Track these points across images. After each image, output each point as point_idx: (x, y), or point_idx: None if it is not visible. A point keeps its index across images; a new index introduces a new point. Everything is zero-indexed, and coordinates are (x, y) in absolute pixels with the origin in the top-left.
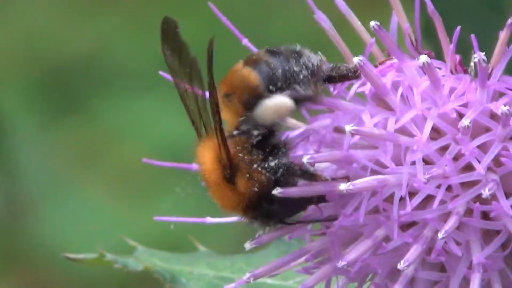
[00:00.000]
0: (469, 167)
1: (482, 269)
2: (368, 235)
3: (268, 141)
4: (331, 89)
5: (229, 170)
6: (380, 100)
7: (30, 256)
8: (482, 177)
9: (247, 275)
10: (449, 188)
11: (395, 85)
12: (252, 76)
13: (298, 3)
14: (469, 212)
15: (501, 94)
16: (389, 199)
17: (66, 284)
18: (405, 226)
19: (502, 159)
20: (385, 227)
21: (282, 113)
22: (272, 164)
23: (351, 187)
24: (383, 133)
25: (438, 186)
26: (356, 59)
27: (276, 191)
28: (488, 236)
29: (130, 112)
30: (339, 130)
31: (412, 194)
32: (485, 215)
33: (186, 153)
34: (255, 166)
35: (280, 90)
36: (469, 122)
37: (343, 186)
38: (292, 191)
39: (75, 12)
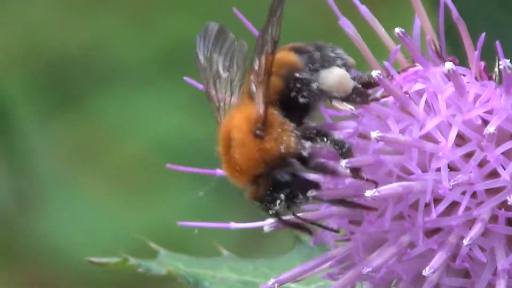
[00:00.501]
0: (494, 174)
1: (507, 275)
2: (393, 241)
3: (308, 113)
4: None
5: (261, 124)
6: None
7: (30, 253)
8: (507, 183)
9: (272, 280)
10: (474, 195)
11: (419, 92)
12: (291, 55)
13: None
14: (494, 218)
15: None
16: (414, 205)
17: (67, 281)
18: (430, 233)
19: None
20: (410, 234)
21: (343, 84)
22: (305, 143)
23: (376, 193)
24: (408, 140)
25: (463, 193)
26: (375, 73)
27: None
28: None
29: (129, 109)
30: (363, 136)
31: (437, 200)
32: (510, 222)
33: (186, 150)
34: (287, 127)
35: (314, 69)
36: (494, 129)
37: (368, 193)
38: (322, 194)
39: (74, 10)
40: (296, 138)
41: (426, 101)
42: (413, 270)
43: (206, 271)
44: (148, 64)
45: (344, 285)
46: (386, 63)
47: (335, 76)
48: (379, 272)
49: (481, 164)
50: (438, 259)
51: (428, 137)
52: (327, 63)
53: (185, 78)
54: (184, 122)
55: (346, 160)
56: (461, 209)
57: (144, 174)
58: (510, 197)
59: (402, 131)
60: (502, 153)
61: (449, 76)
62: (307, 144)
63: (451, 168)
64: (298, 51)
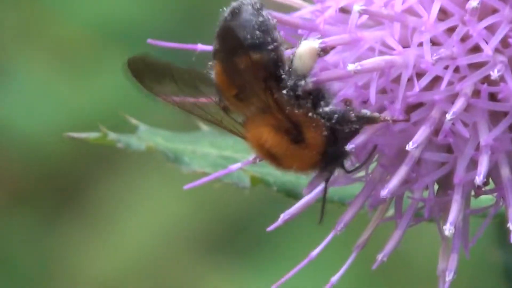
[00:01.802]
0: (476, 49)
1: (489, 150)
2: None
3: (311, 90)
4: None
5: (295, 130)
6: None
7: None
8: (490, 58)
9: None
10: (456, 70)
11: None
12: (244, 58)
13: None
14: (476, 93)
15: None
16: (397, 80)
17: (6, 155)
18: (412, 108)
19: (510, 40)
20: (389, 109)
21: (315, 55)
22: (327, 109)
23: (358, 67)
24: (391, 14)
25: (446, 67)
26: None
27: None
28: (495, 118)
29: None
30: (344, 10)
31: (419, 75)
32: (492, 97)
33: (126, 29)
34: (311, 114)
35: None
36: (477, 3)
37: (351, 67)
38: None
39: None
40: (325, 115)
41: None
42: (396, 145)
43: (185, 146)
44: None
45: None
46: None
47: (306, 55)
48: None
49: (464, 39)
50: (421, 134)
51: (410, 11)
52: (268, 30)
53: None
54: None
55: (319, 41)
56: (444, 83)
57: (86, 51)
58: (493, 72)
59: (385, 5)
60: (485, 28)
61: None
62: (332, 114)
63: (434, 42)
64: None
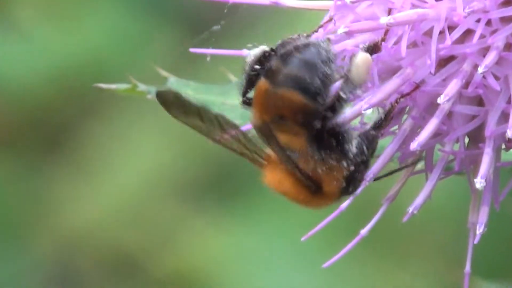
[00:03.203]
0: (508, 2)
1: None
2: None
3: (336, 135)
4: None
5: (314, 187)
6: None
7: None
8: None
9: None
10: (488, 23)
11: None
12: (294, 96)
13: None
14: (508, 46)
15: None
16: (429, 33)
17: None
18: (444, 61)
19: None
20: (422, 59)
21: (370, 66)
22: (353, 153)
23: (391, 20)
24: None
25: (478, 21)
26: None
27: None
28: None
29: None
30: None
31: (451, 28)
32: None
33: None
34: (335, 172)
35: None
36: None
37: (384, 20)
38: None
39: None
40: (351, 165)
41: None
42: (427, 98)
43: (215, 98)
44: None
45: (357, 113)
46: None
47: (364, 65)
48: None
49: None
50: (453, 86)
51: None
52: (329, 83)
53: None
54: None
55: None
56: (476, 36)
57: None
58: None
59: None
60: None
61: None
62: (362, 152)
63: None
64: (297, 82)
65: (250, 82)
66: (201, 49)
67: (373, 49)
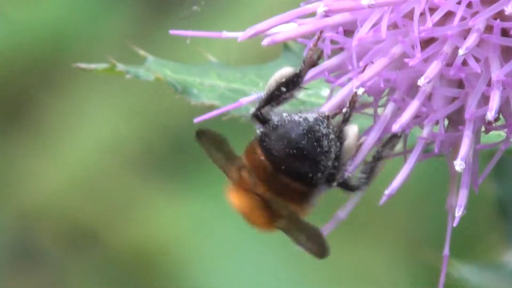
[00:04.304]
0: None
1: (501, 86)
2: (384, 52)
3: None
4: None
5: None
6: None
7: None
8: None
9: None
10: (469, 5)
11: None
12: (293, 184)
13: None
14: (489, 29)
15: None
16: (409, 15)
17: None
18: (424, 43)
19: None
20: (402, 44)
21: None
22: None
23: (372, 1)
24: None
25: (459, 3)
26: None
27: None
28: (507, 54)
29: None
30: None
31: (432, 10)
32: (505, 32)
33: None
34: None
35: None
36: None
37: (365, 1)
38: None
39: None
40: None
41: None
42: (407, 80)
43: (194, 78)
44: None
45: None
46: None
47: (354, 143)
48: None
49: None
50: (434, 68)
51: None
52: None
53: None
54: None
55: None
56: (457, 18)
57: None
58: (506, 7)
59: None
60: None
61: None
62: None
63: None
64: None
65: (270, 99)
66: (180, 31)
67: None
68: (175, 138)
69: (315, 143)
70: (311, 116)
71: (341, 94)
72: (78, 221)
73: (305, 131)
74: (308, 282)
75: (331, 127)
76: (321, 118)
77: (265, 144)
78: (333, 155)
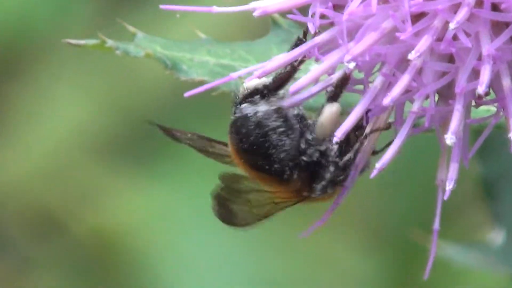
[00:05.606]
0: None
1: (492, 60)
2: (375, 27)
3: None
4: None
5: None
6: None
7: None
8: None
9: (255, 71)
10: None
11: None
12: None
13: None
14: (479, 3)
15: None
16: None
17: None
18: (414, 17)
19: None
20: (393, 18)
21: (337, 120)
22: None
23: None
24: None
25: None
26: None
27: None
28: (497, 28)
29: None
30: None
31: None
32: (495, 8)
33: None
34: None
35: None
36: None
37: None
38: None
39: None
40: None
41: None
42: (397, 55)
43: (183, 54)
44: None
45: (326, 68)
46: None
47: (327, 123)
48: (363, 56)
49: None
50: (424, 43)
51: None
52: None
53: None
54: None
55: None
56: None
57: None
58: None
59: None
60: None
61: None
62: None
63: None
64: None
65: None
66: (171, 6)
67: (341, 87)
68: (141, 125)
69: (263, 139)
70: (261, 110)
71: (319, 69)
72: (43, 209)
73: (252, 127)
74: (274, 270)
75: (282, 119)
76: (272, 110)
77: (229, 135)
78: (288, 147)
